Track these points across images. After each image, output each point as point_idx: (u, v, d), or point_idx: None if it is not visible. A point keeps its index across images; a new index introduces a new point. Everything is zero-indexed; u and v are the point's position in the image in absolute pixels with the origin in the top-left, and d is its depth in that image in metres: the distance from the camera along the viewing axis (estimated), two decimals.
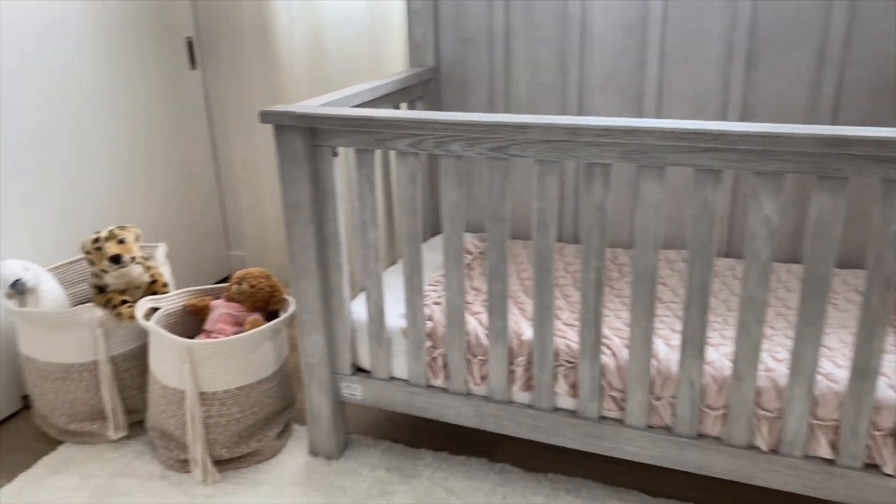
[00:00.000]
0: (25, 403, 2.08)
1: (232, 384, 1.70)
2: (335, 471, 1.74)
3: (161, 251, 2.03)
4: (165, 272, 1.97)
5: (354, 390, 1.73)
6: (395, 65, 2.29)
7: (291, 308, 1.81)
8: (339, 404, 1.78)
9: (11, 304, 1.79)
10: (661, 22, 1.85)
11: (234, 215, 2.84)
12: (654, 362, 1.44)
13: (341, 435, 1.81)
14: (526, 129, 1.33)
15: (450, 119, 1.38)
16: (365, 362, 1.72)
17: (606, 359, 1.48)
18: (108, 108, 2.26)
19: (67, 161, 2.14)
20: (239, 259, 2.88)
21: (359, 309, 1.73)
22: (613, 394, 1.48)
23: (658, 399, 1.45)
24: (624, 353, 1.48)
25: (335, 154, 1.56)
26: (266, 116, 1.52)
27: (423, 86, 2.07)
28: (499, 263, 1.47)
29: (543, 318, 1.47)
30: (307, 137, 1.53)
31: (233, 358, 1.68)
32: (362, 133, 1.49)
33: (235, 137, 2.62)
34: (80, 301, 2.06)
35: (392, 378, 1.70)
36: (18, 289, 1.80)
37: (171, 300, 1.86)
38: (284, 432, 1.89)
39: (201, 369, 1.66)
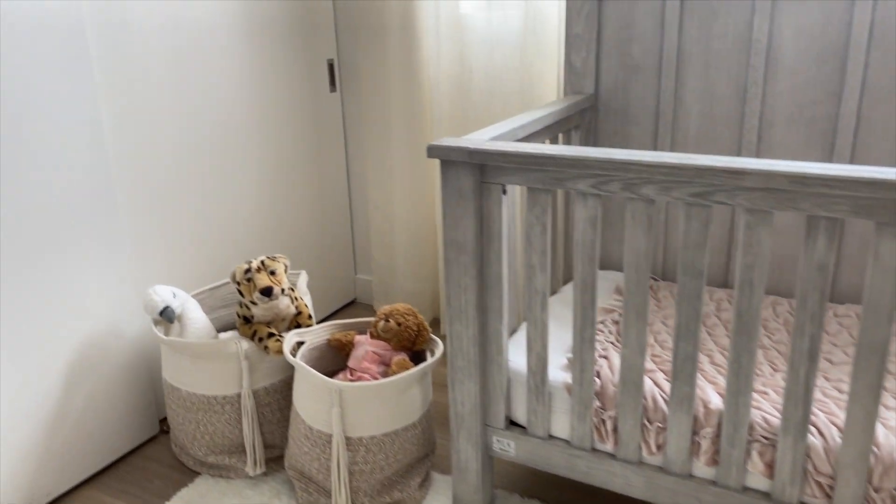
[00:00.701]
0: (162, 428, 2.06)
1: (379, 430, 1.60)
2: None
3: (303, 280, 1.97)
4: (307, 302, 1.91)
5: (507, 446, 1.59)
6: (545, 90, 2.16)
7: (439, 350, 1.70)
8: (489, 459, 1.65)
9: (158, 331, 1.76)
10: (864, 51, 1.64)
11: (364, 239, 2.78)
12: (873, 447, 1.23)
13: (488, 490, 1.68)
14: (741, 174, 1.16)
15: (648, 160, 1.23)
16: (521, 416, 1.58)
17: (812, 438, 1.28)
18: (251, 128, 2.24)
19: (208, 181, 2.13)
20: (366, 283, 2.82)
21: (516, 357, 1.59)
22: (819, 479, 1.28)
23: (877, 490, 1.24)
24: (833, 433, 1.28)
25: (504, 192, 1.44)
26: (434, 151, 1.41)
27: (580, 115, 1.93)
28: (690, 322, 1.31)
29: (740, 386, 1.29)
30: (476, 173, 1.41)
31: (382, 402, 1.58)
32: (538, 171, 1.36)
33: (369, 161, 2.56)
34: (221, 327, 2.02)
35: (551, 437, 1.55)
36: (167, 316, 1.77)
37: (316, 334, 1.79)
38: (425, 482, 1.78)
39: (349, 413, 1.58)
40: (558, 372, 1.54)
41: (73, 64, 1.66)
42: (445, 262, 1.50)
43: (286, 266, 1.77)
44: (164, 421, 2.09)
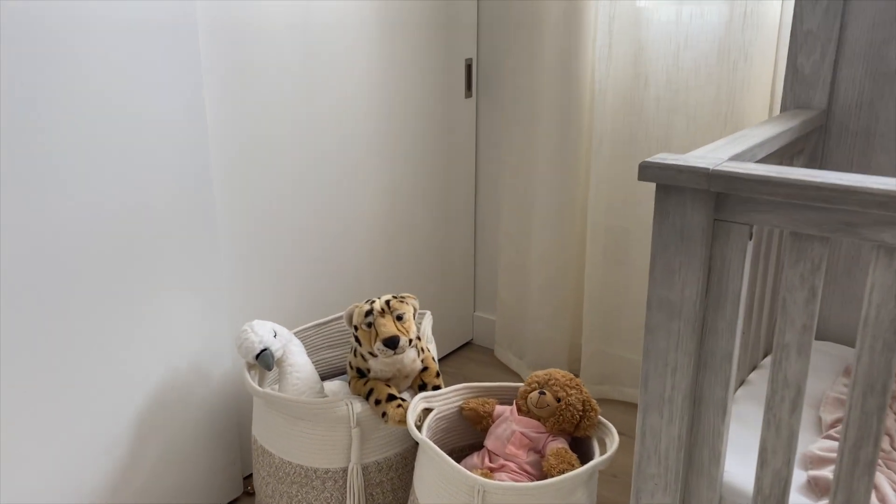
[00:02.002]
0: (247, 489, 1.71)
1: None
2: None
3: (427, 323, 1.58)
4: (432, 351, 1.51)
5: None
6: (750, 105, 1.70)
7: (614, 442, 1.27)
8: None
9: (251, 378, 1.41)
10: None
11: (488, 273, 2.37)
12: None
13: None
14: None
15: None
16: None
17: None
18: (372, 140, 1.88)
19: (321, 200, 1.78)
20: (486, 323, 2.41)
21: (735, 468, 1.14)
22: None
23: None
24: None
25: (751, 236, 0.99)
26: (650, 171, 0.99)
27: (805, 138, 1.47)
28: None
29: None
30: (709, 207, 0.98)
31: None
32: (819, 209, 0.92)
33: (504, 181, 2.16)
34: (325, 372, 1.66)
35: None
36: (264, 362, 1.41)
37: (446, 399, 1.39)
38: None
39: None
40: (802, 498, 1.08)
41: (180, 63, 1.34)
42: (648, 329, 1.07)
43: (415, 309, 1.38)
44: (248, 479, 1.73)
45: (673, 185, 0.99)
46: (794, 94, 1.52)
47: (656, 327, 1.06)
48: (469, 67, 2.14)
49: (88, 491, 1.36)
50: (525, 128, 2.07)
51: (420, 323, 1.58)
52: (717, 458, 1.08)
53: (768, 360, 1.55)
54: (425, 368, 1.44)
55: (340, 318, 1.67)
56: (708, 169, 0.95)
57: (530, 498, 1.15)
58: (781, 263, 1.56)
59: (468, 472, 1.15)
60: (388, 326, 1.30)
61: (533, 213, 2.12)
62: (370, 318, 1.32)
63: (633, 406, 2.10)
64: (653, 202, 1.96)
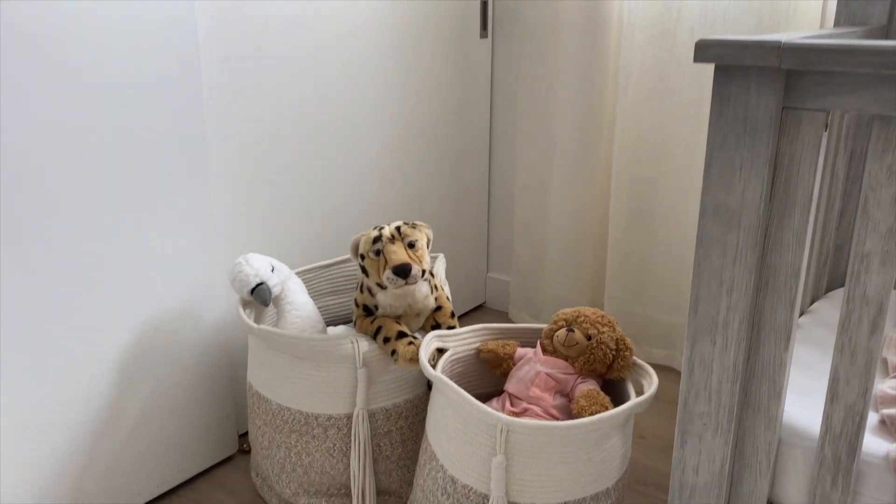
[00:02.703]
0: (241, 446, 1.57)
1: (558, 496, 1.04)
2: None
3: (441, 266, 1.44)
4: (447, 294, 1.37)
5: None
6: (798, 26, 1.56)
7: (652, 384, 1.13)
8: None
9: (246, 316, 1.27)
10: None
11: (503, 229, 2.23)
12: None
13: None
14: None
15: None
16: (792, 502, 0.98)
17: None
18: (382, 76, 1.74)
19: (326, 138, 1.64)
20: (500, 284, 2.27)
21: (795, 408, 1.00)
22: None
23: None
24: None
25: (826, 126, 0.85)
26: (708, 50, 0.84)
27: None
28: None
29: None
30: (778, 91, 0.84)
31: (567, 453, 1.02)
32: None
33: (522, 128, 2.01)
34: (329, 320, 1.52)
35: None
36: (260, 297, 1.27)
37: (462, 340, 1.25)
38: None
39: (517, 465, 1.02)
40: (875, 439, 0.94)
41: None
42: (701, 243, 0.92)
43: (429, 239, 1.24)
44: (244, 437, 1.60)
45: (736, 64, 0.85)
46: (848, 11, 1.37)
47: (710, 240, 0.92)
48: (484, 4, 2.00)
49: (64, 439, 1.23)
50: (544, 69, 1.93)
51: (433, 266, 1.44)
52: (777, 392, 0.94)
53: (818, 304, 1.41)
54: (439, 308, 1.30)
55: (345, 261, 1.53)
56: (780, 42, 0.81)
57: (559, 439, 1.01)
58: (860, 156, 1.42)
59: (489, 410, 1.01)
60: (398, 254, 1.15)
61: (552, 162, 1.98)
62: (378, 246, 1.17)
63: (665, 369, 1.95)
64: (684, 149, 1.81)
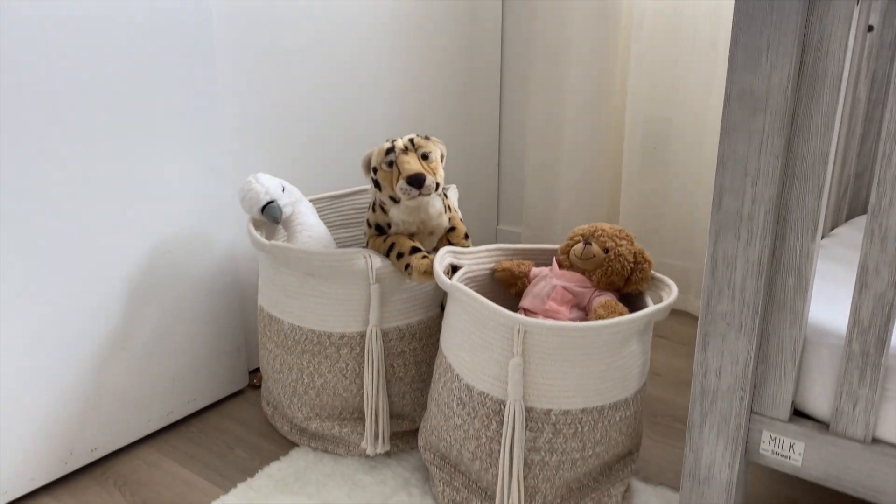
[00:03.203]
0: (252, 382, 1.56)
1: (578, 402, 1.02)
2: None
3: (454, 195, 1.41)
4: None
5: (788, 449, 0.97)
6: None
7: (673, 294, 1.10)
8: (746, 467, 1.03)
9: (257, 234, 1.25)
10: None
11: (514, 179, 2.20)
12: None
13: None
14: None
15: None
16: (817, 404, 0.96)
17: None
18: (401, 18, 1.71)
19: (339, 66, 1.61)
20: (511, 237, 2.25)
21: (819, 307, 0.98)
22: None
23: None
24: None
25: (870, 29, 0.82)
26: None
27: None
28: None
29: None
30: None
31: (586, 357, 1.00)
32: None
33: (534, 75, 1.98)
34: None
35: (876, 440, 0.92)
36: (271, 214, 1.25)
37: (476, 258, 1.23)
38: (628, 492, 1.18)
39: (534, 370, 1.00)
40: None
41: None
42: (725, 131, 0.90)
43: (443, 154, 1.21)
44: (255, 373, 1.58)
45: None
46: None
47: (735, 127, 0.89)
48: None
49: (74, 360, 1.21)
50: (556, 10, 1.89)
51: (446, 194, 1.42)
52: (803, 286, 0.91)
53: (839, 229, 1.38)
54: (452, 229, 1.27)
55: (356, 193, 1.51)
56: None
57: (577, 341, 0.98)
58: (882, 78, 1.39)
59: (507, 312, 0.99)
60: (411, 164, 1.13)
61: (565, 104, 1.95)
62: (391, 157, 1.15)
63: (679, 314, 1.93)
64: (699, 88, 1.78)
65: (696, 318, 1.89)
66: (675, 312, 1.94)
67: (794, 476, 1.25)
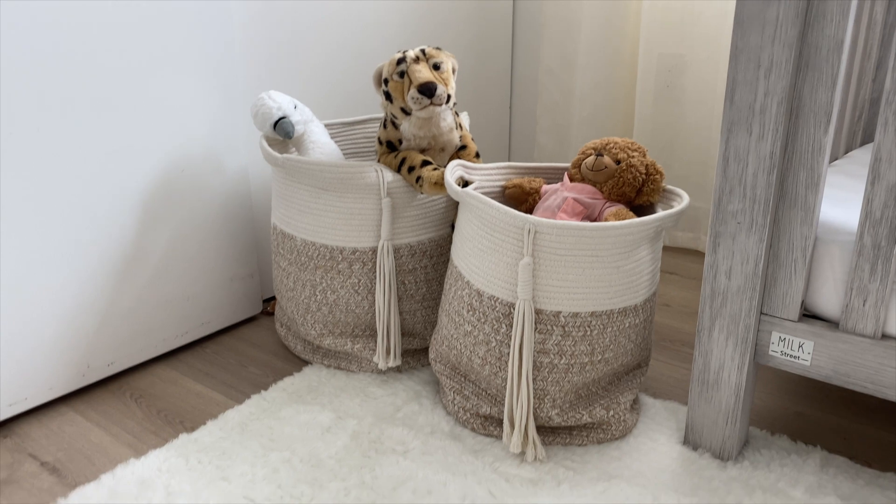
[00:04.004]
0: (265, 309, 1.58)
1: (585, 305, 1.02)
2: (742, 482, 1.01)
3: (465, 120, 1.41)
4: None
5: (797, 349, 0.98)
6: None
7: (684, 202, 1.10)
8: (754, 370, 1.04)
9: (270, 149, 1.25)
10: None
11: (526, 116, 2.19)
12: None
13: (744, 421, 1.07)
14: None
15: None
16: (826, 303, 0.96)
17: None
18: None
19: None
20: None
21: (834, 211, 0.98)
22: None
23: None
24: None
25: None
26: None
27: None
28: None
29: None
30: None
31: (596, 259, 1.00)
32: None
33: (548, 13, 1.97)
34: None
35: (885, 336, 0.93)
36: (283, 130, 1.26)
37: (487, 175, 1.23)
38: (636, 403, 1.19)
39: (544, 272, 1.00)
40: None
41: None
42: (738, 22, 0.89)
43: (454, 68, 1.21)
44: (268, 302, 1.60)
45: None
46: None
47: (749, 17, 0.88)
48: None
49: (90, 274, 1.23)
50: None
51: (457, 113, 1.42)
52: (815, 181, 0.91)
53: (853, 152, 1.37)
54: (463, 147, 1.28)
55: (368, 121, 1.51)
56: None
57: (587, 241, 0.99)
58: None
59: (516, 212, 0.99)
60: (423, 73, 1.13)
61: (578, 41, 1.93)
62: (403, 67, 1.15)
63: (689, 252, 1.93)
64: (714, 21, 1.76)
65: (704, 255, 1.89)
66: (685, 251, 1.94)
67: (799, 391, 1.26)
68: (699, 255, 1.91)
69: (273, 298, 1.61)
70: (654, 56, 1.83)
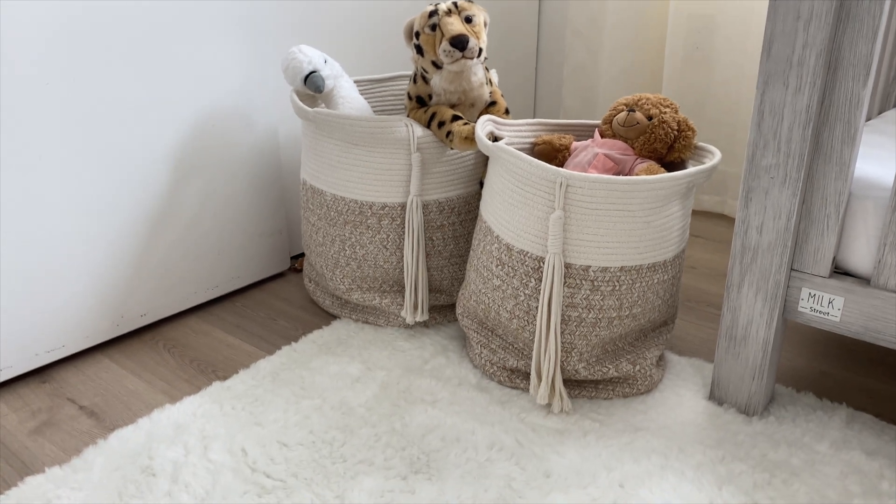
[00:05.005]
0: (293, 266, 1.60)
1: (615, 260, 1.03)
2: (767, 436, 1.02)
3: (494, 78, 1.41)
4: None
5: (827, 305, 0.98)
6: None
7: (716, 158, 1.10)
8: (783, 325, 1.04)
9: (301, 103, 1.26)
10: None
11: (552, 80, 2.18)
12: None
13: (770, 377, 1.07)
14: None
15: None
16: (857, 260, 0.96)
17: None
18: None
19: None
20: None
21: (869, 165, 0.97)
22: None
23: None
24: None
25: None
26: None
27: None
28: None
29: None
30: None
31: (626, 213, 1.01)
32: None
33: None
34: None
35: None
36: (313, 84, 1.26)
37: (517, 131, 1.23)
38: (662, 360, 1.20)
39: (574, 227, 1.01)
40: None
41: None
42: None
43: (486, 21, 1.20)
44: (296, 259, 1.62)
45: None
46: None
47: None
48: None
49: (122, 223, 1.25)
50: None
51: (487, 68, 1.41)
52: (851, 136, 0.90)
53: (887, 112, 1.36)
54: (493, 104, 1.27)
55: (396, 78, 1.50)
56: None
57: (619, 195, 0.99)
58: None
59: (548, 165, 1.00)
60: (455, 25, 1.13)
61: (606, 1, 1.91)
62: (435, 20, 1.15)
63: (716, 216, 1.92)
64: None
65: (731, 221, 1.88)
66: (712, 215, 1.93)
67: (826, 350, 1.26)
68: (725, 218, 1.90)
69: (301, 255, 1.63)
70: (683, 17, 1.81)
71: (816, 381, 1.17)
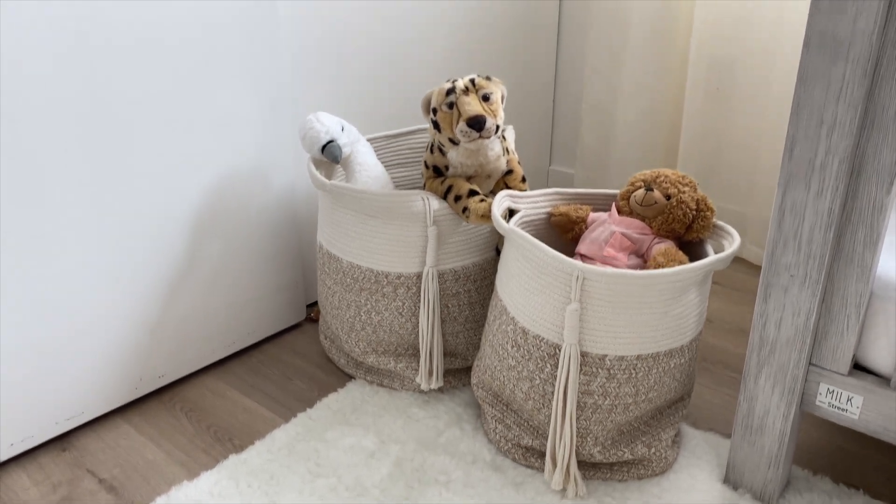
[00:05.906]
0: (309, 315, 1.60)
1: (633, 349, 1.02)
2: None
3: (511, 136, 1.40)
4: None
5: (846, 402, 0.97)
6: None
7: (734, 242, 1.09)
8: (799, 418, 1.04)
9: (317, 173, 1.26)
10: None
11: (569, 118, 2.16)
12: None
13: (786, 465, 1.07)
14: None
15: None
16: (878, 358, 0.95)
17: None
18: None
19: (397, 19, 1.58)
20: (564, 178, 2.22)
21: (892, 264, 0.95)
22: None
23: None
24: None
25: None
26: None
27: None
28: None
29: None
30: None
31: (644, 305, 1.00)
32: None
33: (596, 11, 1.92)
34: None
35: None
36: (331, 154, 1.26)
37: (533, 202, 1.22)
38: (678, 437, 1.19)
39: (592, 316, 1.00)
40: None
41: None
42: (802, 78, 0.87)
43: (503, 95, 1.20)
44: (312, 307, 1.63)
45: None
46: None
47: (813, 74, 0.86)
48: None
49: (144, 288, 1.26)
50: None
51: (504, 136, 1.40)
52: (874, 240, 0.89)
53: None
54: (510, 172, 1.27)
55: (413, 132, 1.50)
56: None
57: (636, 289, 0.99)
58: None
59: (564, 258, 0.99)
60: (472, 105, 1.12)
61: (627, 40, 1.89)
62: (452, 98, 1.14)
63: (734, 260, 1.90)
64: (768, 24, 1.70)
65: (751, 265, 1.86)
66: (734, 261, 1.91)
67: (842, 424, 1.25)
68: (745, 263, 1.89)
69: (316, 303, 1.64)
70: (705, 58, 1.79)
71: (833, 459, 1.17)
